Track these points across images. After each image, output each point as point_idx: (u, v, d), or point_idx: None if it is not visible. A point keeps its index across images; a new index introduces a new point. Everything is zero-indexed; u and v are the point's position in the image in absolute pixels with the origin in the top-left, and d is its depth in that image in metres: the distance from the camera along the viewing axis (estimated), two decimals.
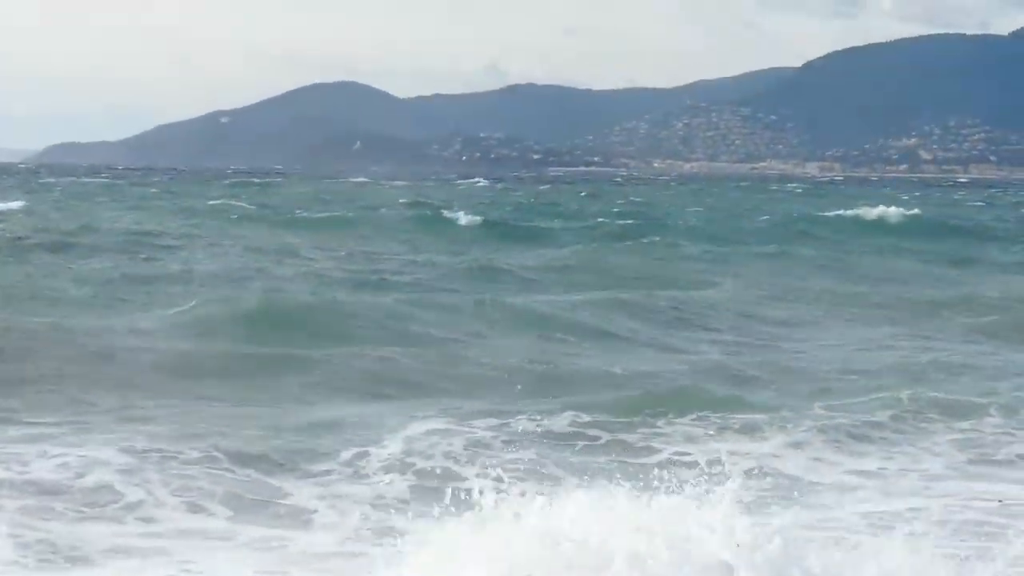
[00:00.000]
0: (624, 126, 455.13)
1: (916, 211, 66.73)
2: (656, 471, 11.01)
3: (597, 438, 14.93)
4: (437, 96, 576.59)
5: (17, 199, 64.83)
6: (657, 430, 15.26)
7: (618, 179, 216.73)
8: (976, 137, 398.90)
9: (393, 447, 13.85)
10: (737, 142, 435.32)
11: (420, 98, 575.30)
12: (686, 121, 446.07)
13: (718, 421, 15.71)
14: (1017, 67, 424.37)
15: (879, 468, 14.10)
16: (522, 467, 13.31)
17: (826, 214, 66.39)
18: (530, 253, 41.03)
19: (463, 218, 55.81)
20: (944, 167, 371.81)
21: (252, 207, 66.33)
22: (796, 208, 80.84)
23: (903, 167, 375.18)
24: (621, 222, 60.49)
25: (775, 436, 15.12)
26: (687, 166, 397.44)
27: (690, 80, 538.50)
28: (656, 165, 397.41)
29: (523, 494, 8.77)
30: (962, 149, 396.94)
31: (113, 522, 11.15)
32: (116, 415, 15.58)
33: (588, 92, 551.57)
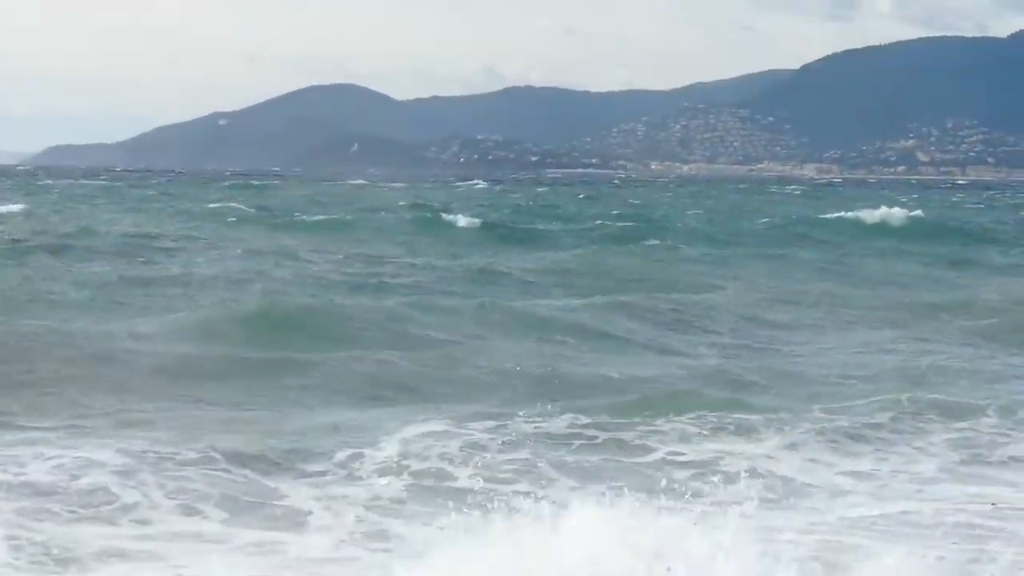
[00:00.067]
0: (622, 128, 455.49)
1: (918, 213, 66.71)
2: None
3: (594, 439, 14.90)
4: (435, 98, 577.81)
5: (16, 202, 64.77)
6: (654, 432, 15.23)
7: (616, 181, 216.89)
8: (974, 139, 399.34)
9: (390, 449, 13.83)
10: (735, 144, 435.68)
11: (418, 100, 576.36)
12: (684, 123, 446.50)
13: (716, 424, 15.68)
14: (1015, 69, 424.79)
15: (875, 470, 14.06)
16: (518, 469, 13.30)
17: (826, 216, 66.43)
18: (529, 256, 40.98)
19: (462, 220, 55.79)
20: (942, 169, 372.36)
21: (251, 209, 66.30)
22: (795, 210, 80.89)
23: (901, 169, 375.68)
24: (620, 224, 60.49)
25: (772, 438, 15.10)
26: (685, 168, 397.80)
27: (688, 82, 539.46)
28: (654, 167, 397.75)
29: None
30: (960, 151, 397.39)
31: (107, 524, 11.11)
32: (114, 418, 15.55)
33: (586, 94, 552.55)
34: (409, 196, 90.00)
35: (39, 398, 16.61)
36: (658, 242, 47.53)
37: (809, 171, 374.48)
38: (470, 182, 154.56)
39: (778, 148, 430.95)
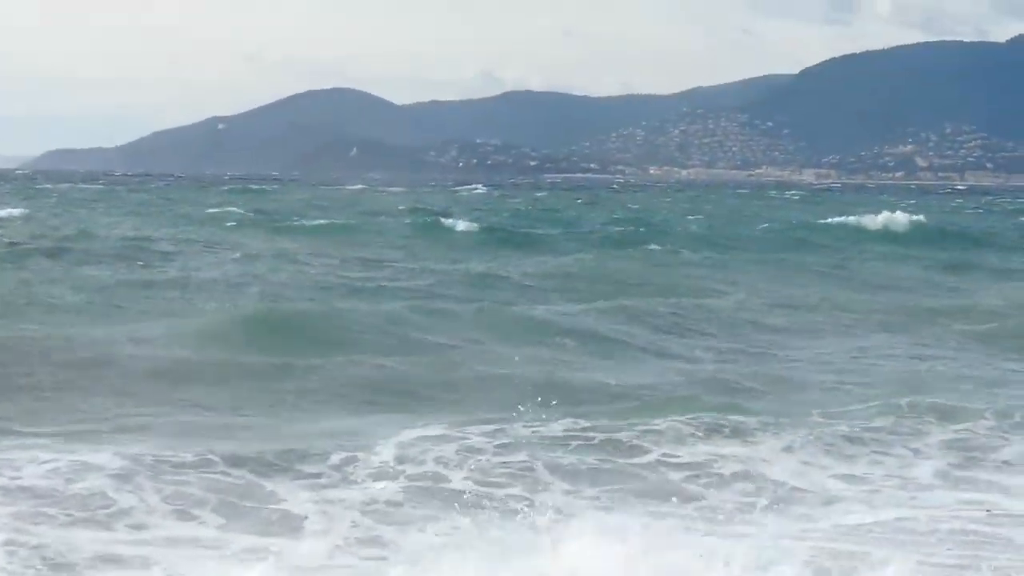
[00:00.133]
0: (621, 132, 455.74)
1: (920, 218, 66.68)
2: (662, 490, 11.04)
3: (591, 441, 14.86)
4: (433, 102, 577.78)
5: (15, 206, 64.73)
6: (652, 437, 15.18)
7: (615, 186, 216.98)
8: (972, 144, 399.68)
9: (387, 454, 13.81)
10: (734, 149, 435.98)
11: (417, 104, 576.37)
12: (683, 128, 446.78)
13: (715, 428, 15.66)
14: (1014, 74, 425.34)
15: (873, 475, 14.04)
16: (514, 474, 13.26)
17: (826, 221, 66.44)
18: (529, 260, 40.96)
19: (461, 225, 55.79)
20: (940, 174, 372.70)
21: (250, 214, 66.34)
22: (794, 215, 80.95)
23: (899, 174, 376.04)
24: (619, 229, 60.48)
25: (769, 442, 15.09)
26: (684, 172, 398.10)
27: (687, 87, 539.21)
28: (653, 172, 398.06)
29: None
30: (958, 156, 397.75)
31: (103, 529, 11.07)
32: (111, 422, 15.51)
33: (585, 99, 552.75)
34: (408, 200, 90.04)
35: (37, 402, 16.57)
36: (658, 247, 47.49)
37: (808, 176, 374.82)
38: (469, 186, 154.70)
39: (777, 153, 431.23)
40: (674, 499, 12.58)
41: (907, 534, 11.60)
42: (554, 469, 13.54)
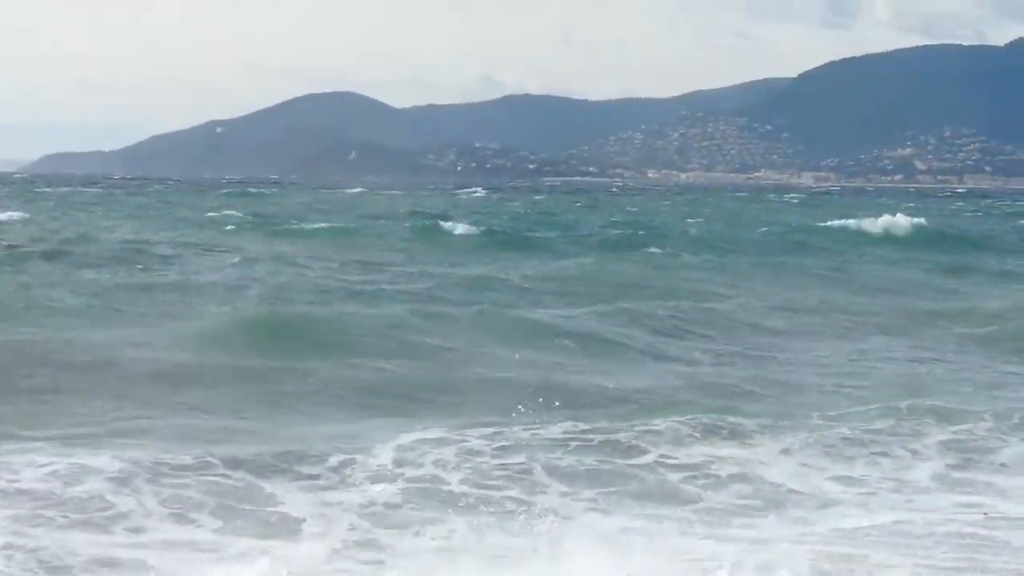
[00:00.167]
0: (619, 136, 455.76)
1: (921, 221, 66.67)
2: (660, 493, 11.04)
3: (590, 443, 14.84)
4: (432, 106, 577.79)
5: (14, 209, 64.76)
6: (651, 438, 15.18)
7: (613, 189, 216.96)
8: (971, 147, 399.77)
9: (385, 456, 13.82)
10: (732, 152, 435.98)
11: (415, 108, 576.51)
12: (682, 131, 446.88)
13: (714, 432, 15.65)
14: (1013, 78, 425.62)
15: (870, 478, 14.03)
16: (511, 477, 13.24)
17: (827, 224, 66.43)
18: (529, 263, 40.97)
19: (460, 228, 55.80)
20: (939, 177, 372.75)
21: (249, 217, 66.36)
22: (794, 218, 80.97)
23: (898, 177, 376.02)
24: (619, 232, 60.49)
25: (767, 444, 15.09)
26: (682, 176, 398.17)
27: (686, 90, 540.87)
28: (651, 175, 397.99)
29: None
30: (957, 159, 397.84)
31: (100, 532, 11.06)
32: (110, 426, 15.49)
33: (583, 102, 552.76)
34: (407, 204, 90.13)
35: (36, 406, 16.55)
36: (657, 250, 47.50)
37: (807, 179, 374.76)
38: (469, 190, 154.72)
39: (775, 156, 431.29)
40: (672, 501, 12.58)
41: (905, 537, 11.58)
42: (552, 471, 13.53)
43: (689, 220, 77.78)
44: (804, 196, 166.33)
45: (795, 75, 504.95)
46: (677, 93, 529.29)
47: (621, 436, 15.12)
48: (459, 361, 21.19)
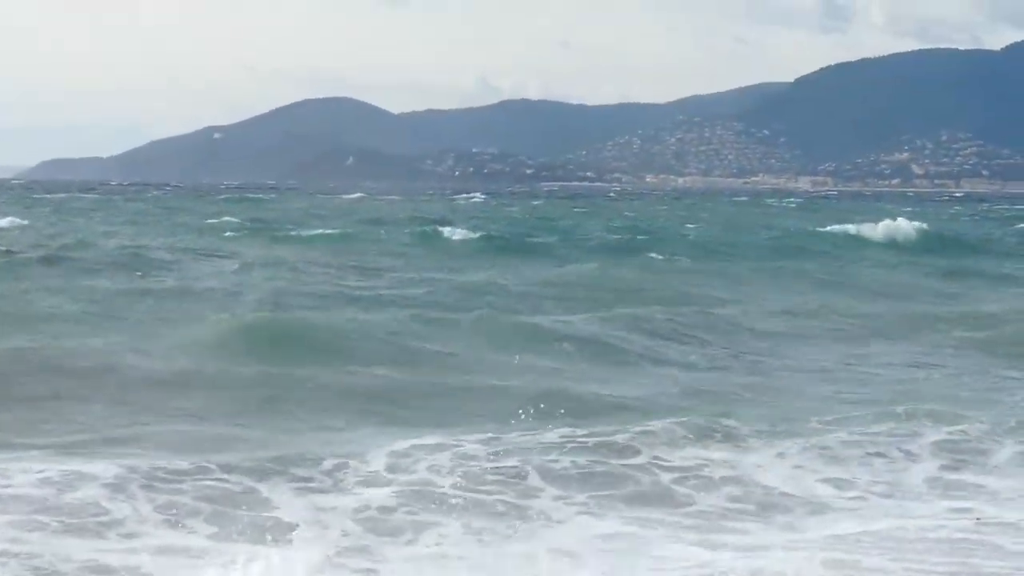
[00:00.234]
0: (617, 141, 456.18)
1: (923, 225, 66.69)
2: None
3: (584, 445, 14.82)
4: (430, 111, 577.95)
5: (12, 215, 64.73)
6: (646, 443, 15.15)
7: (611, 194, 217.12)
8: (968, 151, 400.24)
9: (380, 462, 13.78)
10: (730, 157, 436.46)
11: (413, 113, 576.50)
12: (679, 136, 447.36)
13: (710, 434, 15.63)
14: (1009, 82, 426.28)
15: (865, 483, 14.00)
16: (506, 481, 13.22)
17: (825, 229, 66.46)
18: (527, 269, 40.95)
19: (459, 233, 55.80)
20: (936, 181, 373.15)
21: (247, 223, 66.38)
22: (792, 223, 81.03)
23: (895, 181, 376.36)
24: (617, 237, 60.50)
25: (762, 448, 15.08)
26: (680, 181, 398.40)
27: (683, 95, 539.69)
28: (649, 180, 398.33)
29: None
30: (954, 163, 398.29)
31: (95, 538, 11.02)
32: (108, 432, 15.46)
33: (581, 107, 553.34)
34: (406, 209, 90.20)
35: (34, 413, 16.49)
36: (656, 255, 47.51)
37: (804, 184, 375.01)
38: (467, 195, 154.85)
39: (773, 161, 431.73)
40: (665, 505, 12.58)
41: (898, 542, 11.56)
42: (546, 475, 13.50)
43: (688, 225, 77.83)
44: (802, 200, 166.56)
45: (792, 80, 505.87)
46: (674, 98, 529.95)
47: (617, 439, 15.08)
48: (458, 367, 21.16)
